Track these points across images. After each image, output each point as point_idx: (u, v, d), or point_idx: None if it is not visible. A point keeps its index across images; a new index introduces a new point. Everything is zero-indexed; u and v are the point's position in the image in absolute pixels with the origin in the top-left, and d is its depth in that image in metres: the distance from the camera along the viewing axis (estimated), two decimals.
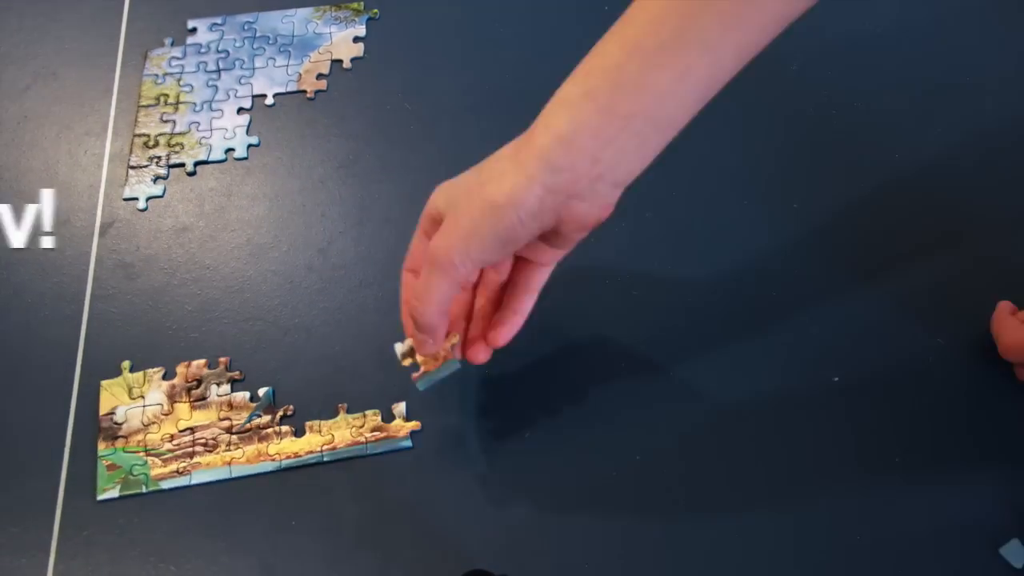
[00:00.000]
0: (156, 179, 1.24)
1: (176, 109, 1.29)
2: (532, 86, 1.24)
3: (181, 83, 1.31)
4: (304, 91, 1.30)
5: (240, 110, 1.29)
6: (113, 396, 1.11)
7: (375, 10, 1.34)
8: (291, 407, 1.08)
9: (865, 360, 1.06)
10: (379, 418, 1.07)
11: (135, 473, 1.06)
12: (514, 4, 1.30)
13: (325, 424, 1.08)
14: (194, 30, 1.35)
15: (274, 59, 1.32)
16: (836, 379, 1.05)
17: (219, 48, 1.33)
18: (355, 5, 1.34)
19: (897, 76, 1.21)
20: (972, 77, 1.20)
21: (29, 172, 1.26)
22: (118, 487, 1.06)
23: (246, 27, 1.35)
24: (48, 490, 1.07)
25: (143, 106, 1.29)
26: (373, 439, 1.06)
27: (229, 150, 1.26)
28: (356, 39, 1.32)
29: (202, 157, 1.26)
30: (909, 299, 1.08)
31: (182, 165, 1.26)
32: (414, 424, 1.06)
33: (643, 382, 1.07)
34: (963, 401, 1.03)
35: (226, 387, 1.11)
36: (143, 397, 1.11)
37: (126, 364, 1.12)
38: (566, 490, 1.03)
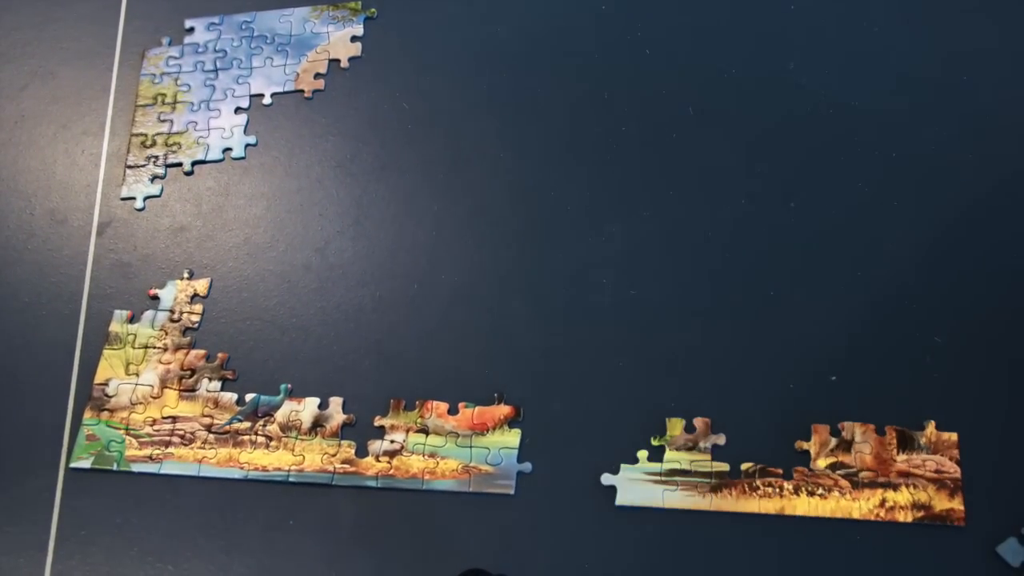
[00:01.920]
0: (153, 178, 1.24)
1: (173, 108, 1.29)
2: (529, 86, 1.25)
3: (179, 82, 1.31)
4: (302, 91, 1.29)
5: (238, 109, 1.29)
6: (111, 367, 1.13)
7: (373, 9, 1.34)
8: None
9: (863, 359, 1.06)
10: (353, 451, 1.07)
11: (111, 449, 1.08)
12: (511, 4, 1.30)
13: (299, 444, 1.07)
14: (192, 30, 1.34)
15: (272, 59, 1.32)
16: (833, 378, 1.06)
17: (217, 48, 1.33)
18: (352, 4, 1.34)
19: (894, 74, 1.21)
20: (970, 76, 1.20)
21: (26, 171, 1.26)
22: (92, 459, 1.07)
23: (244, 26, 1.34)
24: (46, 490, 1.07)
25: (140, 105, 1.29)
26: (341, 471, 1.06)
27: (227, 150, 1.26)
28: (354, 38, 1.32)
29: (200, 157, 1.26)
30: (905, 298, 1.08)
31: (179, 164, 1.25)
32: (383, 465, 1.05)
33: (641, 380, 1.07)
34: (959, 399, 1.03)
35: (217, 383, 1.11)
36: (138, 375, 1.12)
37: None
38: (564, 489, 1.03)
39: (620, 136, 1.20)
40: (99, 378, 1.12)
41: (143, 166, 1.25)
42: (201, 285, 1.16)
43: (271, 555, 1.02)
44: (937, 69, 1.20)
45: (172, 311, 1.15)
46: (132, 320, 1.15)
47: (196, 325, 1.14)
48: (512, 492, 1.03)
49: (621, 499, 1.01)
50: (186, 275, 1.17)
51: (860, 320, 1.08)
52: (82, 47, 1.34)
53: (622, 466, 1.03)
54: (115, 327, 1.15)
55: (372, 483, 1.05)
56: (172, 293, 1.16)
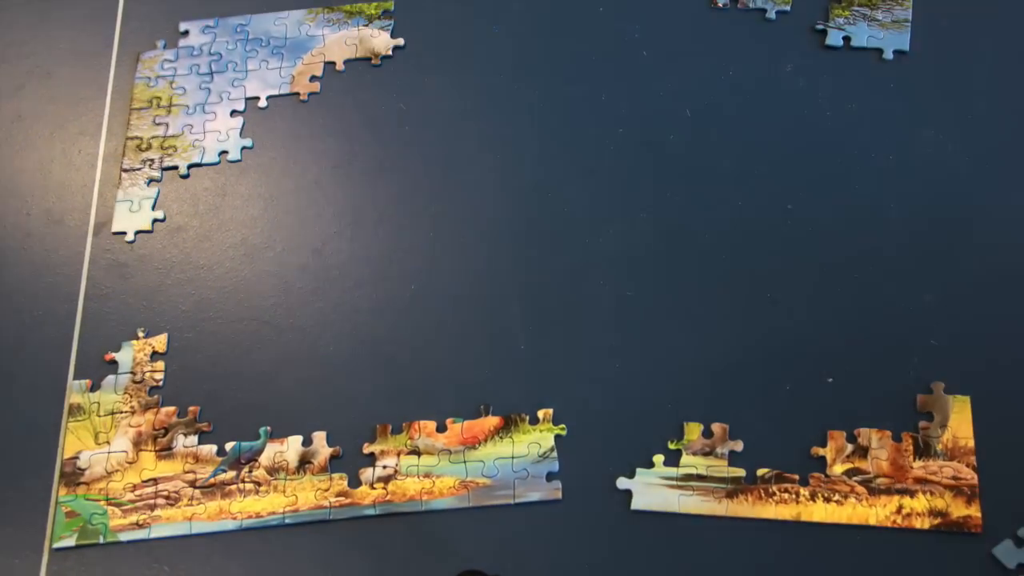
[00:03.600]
0: (150, 181, 1.24)
1: (169, 112, 1.29)
2: (526, 88, 1.26)
3: (174, 86, 1.30)
4: (297, 93, 1.29)
5: (233, 112, 1.28)
6: (79, 440, 1.10)
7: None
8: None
9: (859, 361, 1.07)
10: (345, 482, 1.06)
11: (94, 523, 1.05)
12: (510, 5, 1.30)
13: (289, 484, 1.06)
14: (186, 33, 1.34)
15: (267, 61, 1.31)
16: (831, 380, 1.06)
17: (212, 51, 1.33)
18: (348, 7, 1.34)
19: (891, 79, 1.21)
20: (965, 80, 1.21)
21: (23, 171, 1.26)
22: (75, 536, 1.05)
23: (239, 29, 1.34)
24: (42, 489, 1.06)
25: (135, 109, 1.29)
26: (337, 504, 1.04)
27: (223, 152, 1.26)
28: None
29: (195, 159, 1.25)
30: (903, 300, 1.09)
31: (175, 168, 1.25)
32: (379, 492, 1.05)
33: (637, 381, 1.08)
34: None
35: (193, 438, 1.09)
36: (109, 443, 1.10)
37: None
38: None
39: (617, 137, 1.20)
40: (68, 452, 1.09)
41: (139, 169, 1.25)
42: (159, 342, 1.14)
43: (267, 550, 1.03)
44: (933, 71, 1.21)
45: (133, 373, 1.13)
46: (92, 388, 1.12)
47: (160, 383, 1.12)
48: (512, 502, 1.03)
49: (636, 503, 1.02)
50: (141, 334, 1.14)
51: (854, 319, 1.09)
52: (79, 47, 1.33)
53: (638, 470, 1.03)
54: (76, 398, 1.12)
55: (371, 511, 1.04)
56: (130, 354, 1.13)
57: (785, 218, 1.15)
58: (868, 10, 1.25)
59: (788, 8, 1.26)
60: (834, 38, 1.24)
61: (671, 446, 1.04)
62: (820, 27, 1.24)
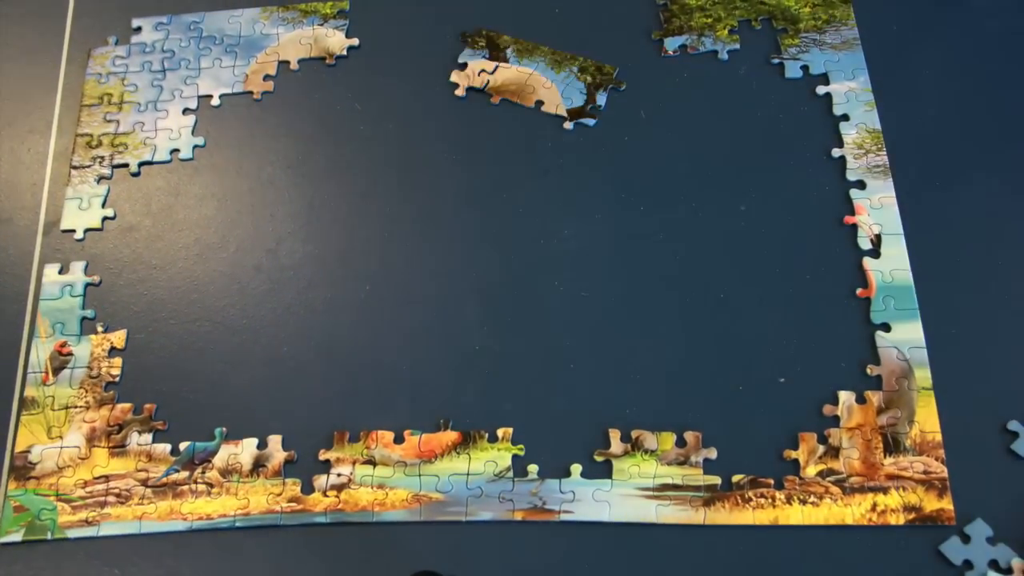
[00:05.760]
0: (99, 179, 1.23)
1: (120, 109, 1.27)
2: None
3: (125, 82, 1.29)
4: (251, 92, 1.29)
5: (185, 110, 1.27)
6: (31, 433, 1.09)
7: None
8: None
9: (811, 361, 1.08)
10: (298, 488, 1.05)
11: (42, 518, 1.04)
12: (465, 7, 1.30)
13: (242, 487, 1.06)
14: (139, 29, 1.33)
15: (220, 59, 1.31)
16: (782, 380, 1.07)
17: (164, 48, 1.31)
18: (303, 6, 1.33)
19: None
20: (908, 78, 1.22)
21: None
22: (22, 531, 1.04)
23: (192, 27, 1.33)
24: None
25: (86, 105, 1.27)
26: (288, 510, 1.04)
27: (174, 151, 1.25)
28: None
29: (147, 158, 1.24)
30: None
31: (126, 165, 1.24)
32: (332, 500, 1.04)
33: (593, 382, 1.08)
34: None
35: (147, 436, 1.08)
36: (62, 438, 1.09)
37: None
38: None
39: (571, 138, 1.21)
40: (20, 446, 1.08)
41: (88, 167, 1.23)
42: (118, 338, 1.13)
43: (219, 553, 1.02)
44: (891, 73, 1.22)
45: (90, 367, 1.12)
46: (47, 383, 1.11)
47: (117, 379, 1.11)
48: (464, 519, 1.03)
49: (614, 515, 1.02)
50: (100, 329, 1.13)
51: (807, 320, 1.09)
52: (29, 43, 1.32)
53: (613, 480, 1.04)
54: (31, 391, 1.10)
55: (321, 519, 1.03)
56: (88, 349, 1.13)
57: (739, 219, 1.15)
58: (817, 35, 1.25)
59: (738, 46, 1.26)
60: (793, 70, 1.23)
61: (598, 458, 1.05)
62: (776, 61, 1.24)
